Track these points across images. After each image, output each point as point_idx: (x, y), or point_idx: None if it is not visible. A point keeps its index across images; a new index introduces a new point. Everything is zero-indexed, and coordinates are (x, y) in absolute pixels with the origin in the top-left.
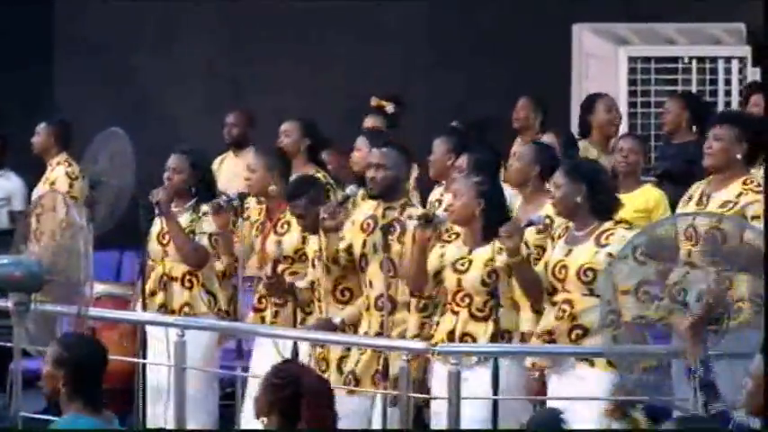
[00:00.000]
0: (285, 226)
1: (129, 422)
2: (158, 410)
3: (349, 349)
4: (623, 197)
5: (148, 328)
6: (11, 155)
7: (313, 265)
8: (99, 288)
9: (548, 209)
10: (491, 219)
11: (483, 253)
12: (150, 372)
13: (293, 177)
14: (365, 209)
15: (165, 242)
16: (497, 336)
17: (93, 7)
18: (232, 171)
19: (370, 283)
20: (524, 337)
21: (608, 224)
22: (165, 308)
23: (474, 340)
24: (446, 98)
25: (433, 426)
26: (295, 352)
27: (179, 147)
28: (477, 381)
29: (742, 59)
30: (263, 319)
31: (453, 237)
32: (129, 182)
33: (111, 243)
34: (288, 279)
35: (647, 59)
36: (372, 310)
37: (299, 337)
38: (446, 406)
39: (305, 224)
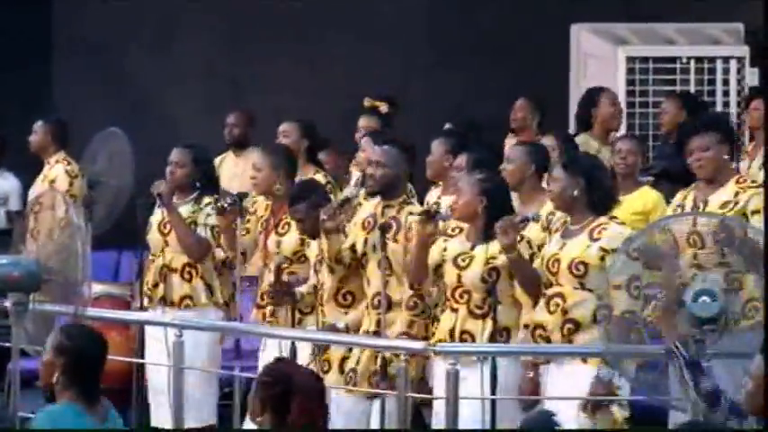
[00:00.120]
0: (286, 227)
1: (127, 422)
2: (158, 410)
3: (351, 350)
4: (622, 199)
5: (147, 329)
6: (9, 155)
7: (315, 271)
8: (97, 288)
9: (549, 206)
10: (494, 216)
11: (484, 250)
12: (149, 372)
13: (296, 180)
14: (367, 208)
15: (166, 232)
16: (496, 334)
17: (92, 7)
18: (232, 171)
19: (368, 281)
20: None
21: (602, 219)
22: (164, 300)
23: (473, 338)
24: (445, 98)
25: (435, 425)
26: (293, 352)
27: (181, 142)
28: (475, 380)
29: (740, 60)
30: (264, 316)
31: (457, 231)
32: (127, 182)
33: (110, 243)
34: (286, 278)
35: (645, 59)
36: (370, 309)
37: (299, 338)
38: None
39: (304, 228)
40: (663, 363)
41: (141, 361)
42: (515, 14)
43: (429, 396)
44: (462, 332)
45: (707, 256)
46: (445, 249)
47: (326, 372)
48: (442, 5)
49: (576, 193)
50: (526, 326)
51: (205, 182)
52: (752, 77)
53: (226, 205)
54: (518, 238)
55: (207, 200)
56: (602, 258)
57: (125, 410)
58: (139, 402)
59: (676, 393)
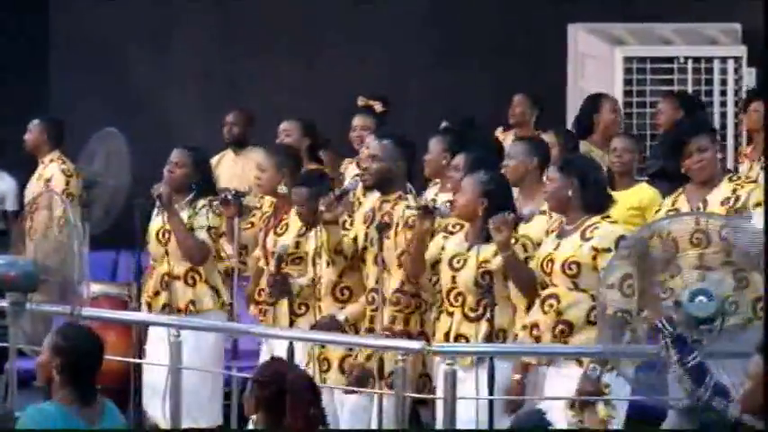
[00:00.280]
0: (285, 227)
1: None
2: (154, 411)
3: (351, 349)
4: (617, 195)
5: (151, 329)
6: (5, 155)
7: (314, 264)
8: (95, 288)
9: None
10: None
11: (479, 253)
12: (148, 372)
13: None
14: (368, 202)
15: (164, 240)
16: (492, 336)
17: (90, 7)
18: (231, 170)
19: (368, 276)
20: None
21: (595, 218)
22: (169, 307)
23: (467, 342)
24: (443, 98)
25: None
26: (291, 352)
27: (183, 144)
28: (473, 382)
29: (738, 60)
30: (262, 312)
31: (458, 228)
32: (124, 182)
33: (107, 243)
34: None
35: (642, 59)
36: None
37: (297, 338)
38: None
39: (302, 214)
40: (661, 363)
41: (139, 361)
42: (513, 14)
43: (426, 396)
44: (457, 336)
45: (713, 256)
46: (443, 247)
47: (326, 371)
48: (440, 5)
49: (570, 193)
50: (524, 327)
51: (202, 184)
52: (749, 78)
53: (229, 197)
54: (512, 239)
55: (202, 203)
56: (594, 258)
57: (121, 411)
58: (137, 403)
59: (675, 393)
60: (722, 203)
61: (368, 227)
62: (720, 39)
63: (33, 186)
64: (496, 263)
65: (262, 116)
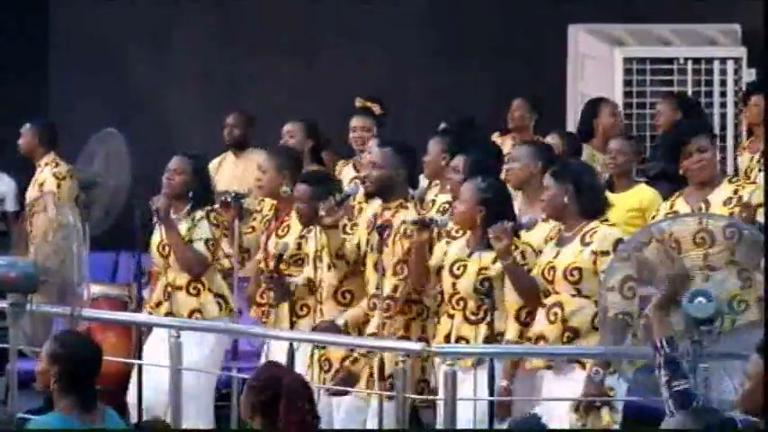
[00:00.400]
0: (286, 229)
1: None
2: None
3: (352, 350)
4: (617, 197)
5: (154, 331)
6: (5, 156)
7: (315, 265)
8: (95, 289)
9: None
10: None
11: (478, 260)
12: (148, 373)
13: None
14: (371, 208)
15: (165, 253)
16: (492, 339)
17: (90, 8)
18: (232, 172)
19: (368, 281)
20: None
21: (594, 223)
22: (172, 316)
23: (467, 344)
24: (442, 99)
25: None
26: (291, 354)
27: (182, 151)
28: (470, 383)
29: (737, 60)
30: (263, 314)
31: (461, 232)
32: (124, 182)
33: (107, 244)
34: (289, 279)
35: (642, 60)
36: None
37: (298, 339)
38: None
39: (302, 211)
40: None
41: (139, 362)
42: (513, 15)
43: (426, 397)
44: (458, 338)
45: (717, 255)
46: (446, 252)
47: (327, 371)
48: (439, 5)
49: (565, 200)
50: (528, 339)
51: (199, 193)
52: (749, 78)
53: (229, 199)
54: (513, 246)
55: (200, 214)
56: (595, 262)
57: (120, 412)
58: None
59: None
60: (724, 204)
61: (369, 233)
62: (720, 39)
63: (31, 191)
64: (496, 269)
65: (261, 116)
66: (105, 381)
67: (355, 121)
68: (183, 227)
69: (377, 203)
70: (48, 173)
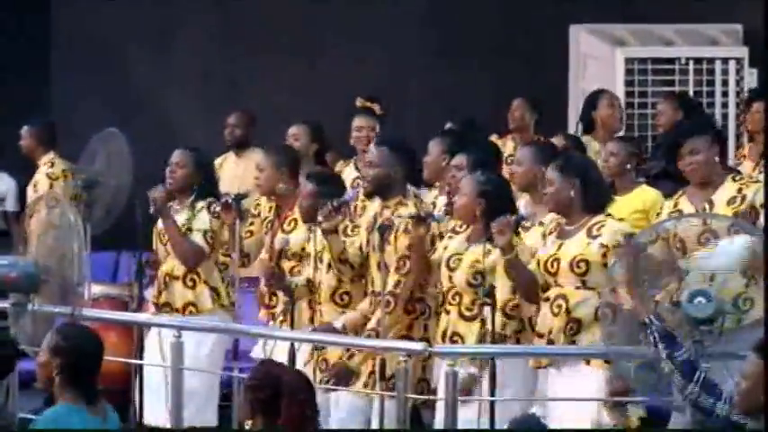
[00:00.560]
0: (292, 223)
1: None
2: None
3: (349, 350)
4: (619, 199)
5: (152, 329)
6: (6, 156)
7: (315, 266)
8: (95, 289)
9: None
10: (493, 218)
11: (471, 253)
12: (148, 372)
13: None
14: (371, 209)
15: (164, 241)
16: (486, 335)
17: (91, 8)
18: (233, 172)
19: (372, 280)
20: None
21: (599, 216)
22: (168, 306)
23: (462, 341)
24: (442, 98)
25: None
26: (292, 353)
27: (184, 145)
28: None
29: (739, 60)
30: (273, 317)
31: (464, 228)
32: (126, 182)
33: (108, 244)
34: (290, 278)
35: (643, 60)
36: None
37: (298, 339)
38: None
39: (303, 208)
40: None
41: (140, 362)
42: (514, 15)
43: (427, 397)
44: (453, 334)
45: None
46: (446, 248)
47: (325, 370)
48: (439, 5)
49: (572, 194)
50: (541, 336)
51: (204, 185)
52: (751, 78)
53: (230, 200)
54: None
55: (201, 204)
56: (605, 255)
57: (122, 412)
58: (136, 403)
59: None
60: (728, 203)
61: (369, 233)
62: (722, 39)
63: (29, 191)
64: (488, 263)
65: (262, 116)
66: (107, 380)
67: (359, 121)
68: (183, 216)
69: (377, 203)
70: (41, 173)
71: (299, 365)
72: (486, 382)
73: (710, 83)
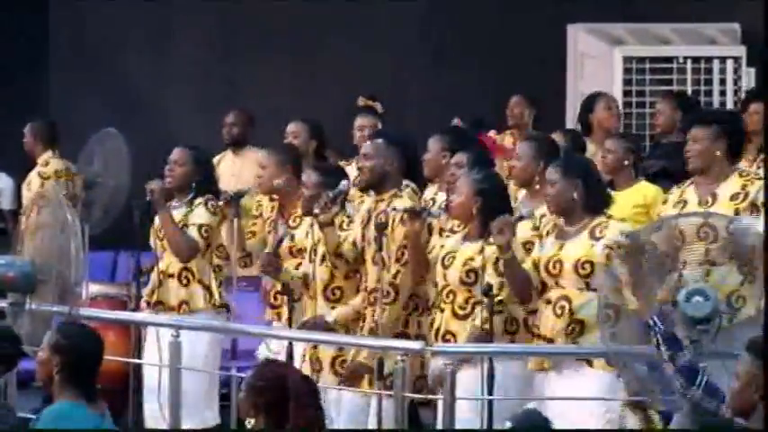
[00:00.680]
0: (297, 220)
1: (123, 422)
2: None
3: (342, 348)
4: (620, 195)
5: (150, 328)
6: (5, 155)
7: (310, 259)
8: (94, 289)
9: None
10: (490, 217)
11: (464, 251)
12: (147, 371)
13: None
14: (366, 203)
15: (161, 236)
16: (474, 330)
17: (90, 9)
18: (231, 170)
19: (366, 275)
20: None
21: (601, 218)
22: (161, 304)
23: (455, 339)
24: (442, 98)
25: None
26: (290, 352)
27: (183, 143)
28: (469, 380)
29: (737, 60)
30: (279, 316)
31: (461, 227)
32: (124, 182)
33: (106, 244)
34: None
35: (641, 59)
36: (367, 304)
37: (297, 338)
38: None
39: (304, 199)
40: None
41: (138, 361)
42: (512, 14)
43: (426, 396)
44: (446, 332)
45: (719, 250)
46: (443, 246)
47: (319, 371)
48: (439, 5)
49: (575, 195)
50: (543, 338)
51: (203, 182)
52: (748, 78)
53: (229, 198)
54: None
55: (199, 200)
56: (608, 256)
57: (121, 411)
58: (135, 403)
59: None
60: (731, 198)
61: (364, 227)
62: (720, 39)
63: (24, 190)
64: (479, 260)
65: (261, 116)
66: (105, 380)
67: (362, 120)
68: (180, 212)
69: (371, 198)
70: (34, 172)
71: (296, 364)
72: (469, 377)
73: (708, 82)
